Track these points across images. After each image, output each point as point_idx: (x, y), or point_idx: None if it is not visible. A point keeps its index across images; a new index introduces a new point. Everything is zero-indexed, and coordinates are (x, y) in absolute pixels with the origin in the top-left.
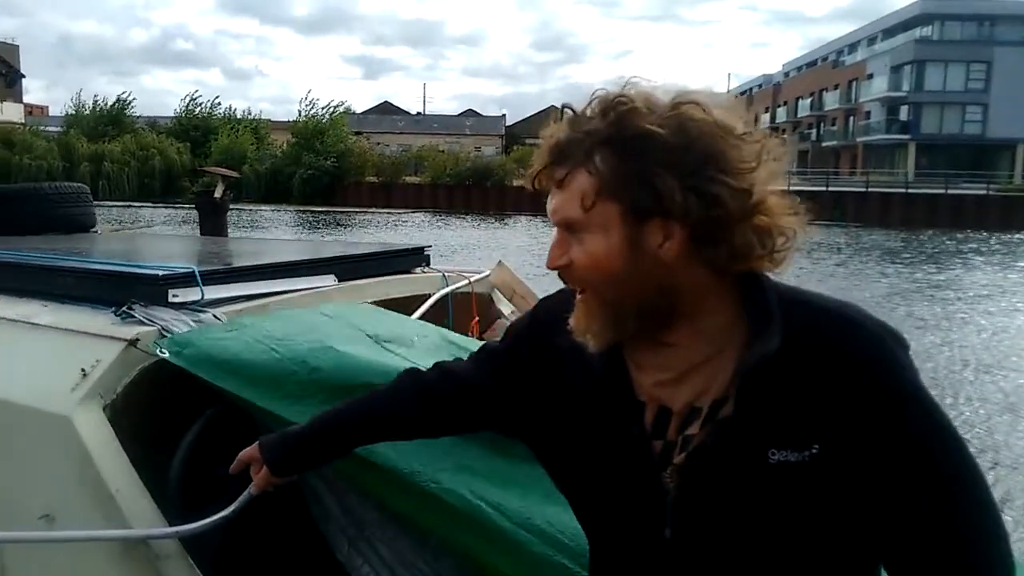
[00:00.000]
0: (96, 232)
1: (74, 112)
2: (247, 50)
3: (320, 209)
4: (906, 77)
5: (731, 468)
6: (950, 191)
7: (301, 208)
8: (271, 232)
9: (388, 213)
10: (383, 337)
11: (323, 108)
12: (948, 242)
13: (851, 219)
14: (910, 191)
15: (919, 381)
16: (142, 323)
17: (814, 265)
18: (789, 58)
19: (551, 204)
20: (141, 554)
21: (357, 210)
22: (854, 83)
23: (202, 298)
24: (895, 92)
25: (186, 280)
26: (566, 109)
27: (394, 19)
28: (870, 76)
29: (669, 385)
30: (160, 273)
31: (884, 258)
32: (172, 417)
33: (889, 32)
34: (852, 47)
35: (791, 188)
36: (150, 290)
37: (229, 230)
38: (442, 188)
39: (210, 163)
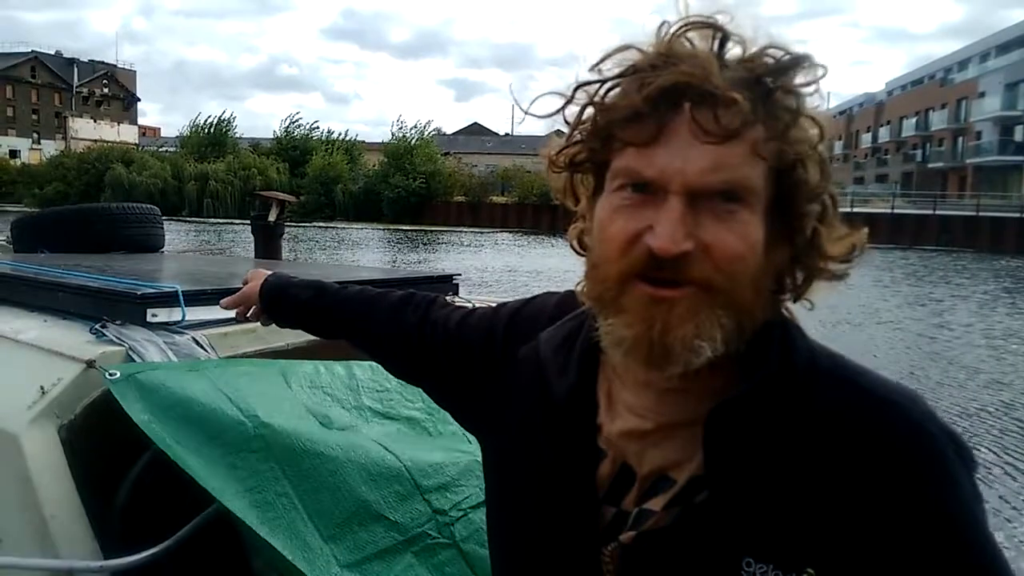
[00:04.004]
0: (162, 252)
1: (187, 134)
2: (346, 74)
3: (408, 228)
4: (1022, 95)
5: (688, 569)
6: None
7: (390, 227)
8: (358, 251)
9: (474, 232)
10: (330, 421)
11: (412, 129)
12: None
13: (960, 244)
14: None
15: (979, 514)
16: (111, 342)
17: (932, 288)
18: (893, 76)
19: (697, 160)
20: None
21: (444, 228)
22: (963, 102)
23: (183, 319)
24: (1010, 111)
25: (167, 299)
26: (706, 29)
27: (487, 43)
28: (982, 94)
29: (639, 439)
30: (138, 291)
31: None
32: (134, 442)
33: (1004, 48)
34: (962, 64)
35: (895, 211)
36: (129, 308)
37: (319, 251)
38: (528, 208)
39: (307, 182)
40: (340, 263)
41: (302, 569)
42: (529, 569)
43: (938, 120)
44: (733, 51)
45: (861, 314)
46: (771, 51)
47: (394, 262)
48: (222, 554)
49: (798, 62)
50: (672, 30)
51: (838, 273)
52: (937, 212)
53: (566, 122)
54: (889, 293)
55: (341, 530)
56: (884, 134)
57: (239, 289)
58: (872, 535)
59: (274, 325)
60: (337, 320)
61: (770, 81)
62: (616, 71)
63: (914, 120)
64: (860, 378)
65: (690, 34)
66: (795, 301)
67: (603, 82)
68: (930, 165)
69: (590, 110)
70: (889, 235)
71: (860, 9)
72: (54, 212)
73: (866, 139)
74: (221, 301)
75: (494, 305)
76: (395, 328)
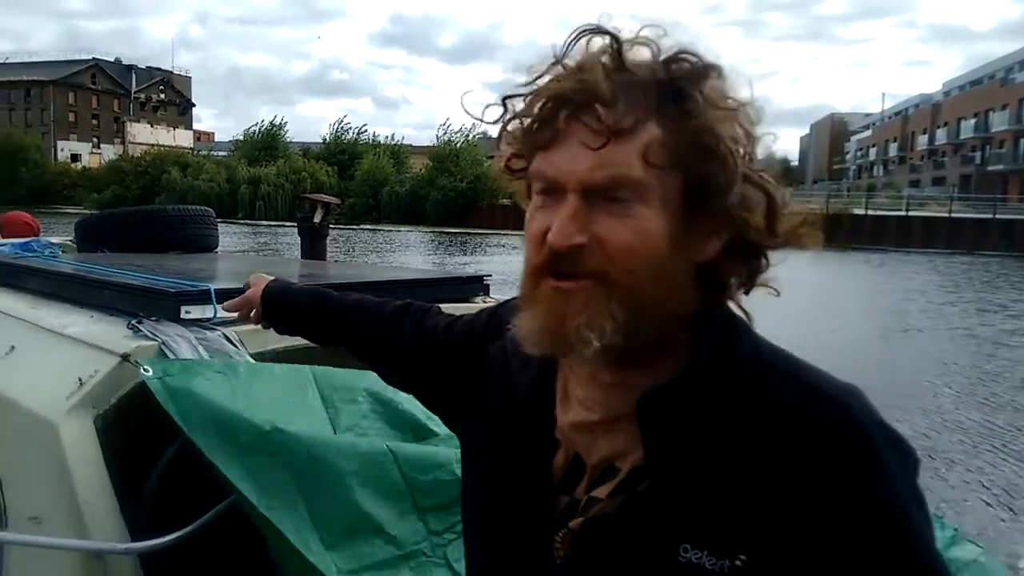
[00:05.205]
0: (216, 252)
1: (242, 139)
2: (395, 79)
3: (454, 230)
4: None
5: (629, 555)
6: None
7: (436, 229)
8: (408, 252)
9: (520, 235)
10: (344, 426)
11: (457, 133)
12: None
13: (1022, 249)
14: None
15: (912, 508)
16: (146, 337)
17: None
18: (950, 76)
19: (585, 160)
20: (94, 568)
21: (489, 232)
22: None
23: (214, 316)
24: None
25: (201, 297)
26: (603, 36)
27: (534, 45)
28: None
29: (588, 431)
30: (172, 289)
31: None
32: (164, 432)
33: None
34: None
35: (953, 215)
36: (164, 305)
37: (369, 253)
38: None
39: (355, 185)
40: (375, 264)
41: (311, 560)
42: (490, 555)
43: (999, 121)
44: (640, 58)
45: (926, 319)
46: (681, 56)
47: (444, 264)
48: (244, 540)
49: (693, 64)
50: (567, 39)
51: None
52: (997, 216)
53: (499, 135)
54: (955, 298)
55: (342, 539)
56: (941, 136)
57: None
58: (804, 525)
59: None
60: (334, 327)
61: (667, 83)
62: (534, 84)
63: (973, 121)
64: (802, 372)
65: (594, 46)
66: (746, 293)
67: (524, 96)
68: (990, 168)
69: (515, 121)
70: (947, 240)
71: (916, 8)
72: (115, 214)
73: (922, 141)
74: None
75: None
76: (390, 336)
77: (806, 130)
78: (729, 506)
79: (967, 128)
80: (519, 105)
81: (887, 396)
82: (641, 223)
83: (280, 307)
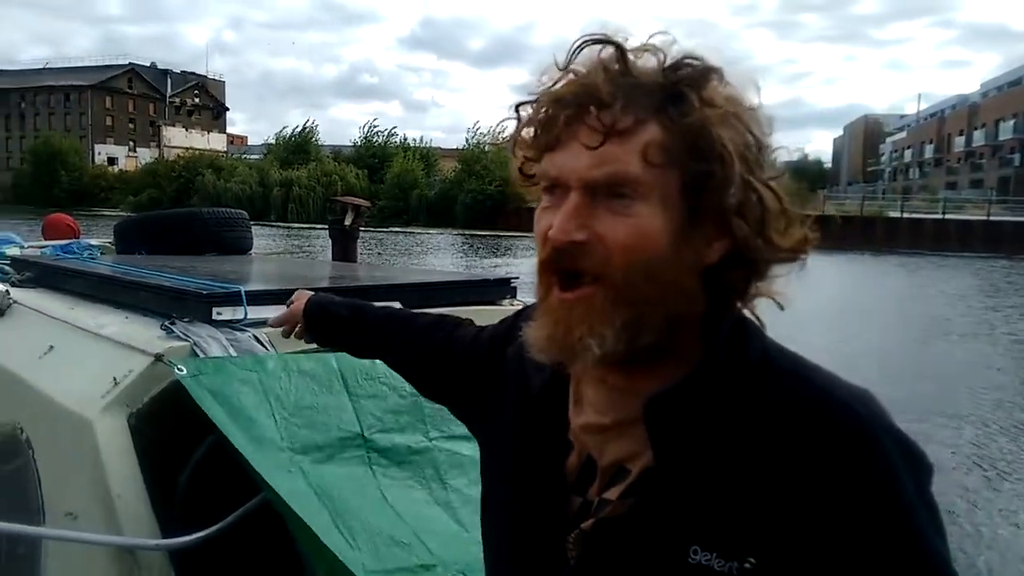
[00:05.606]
0: (250, 254)
1: (274, 142)
2: (424, 82)
3: (483, 233)
4: None
5: (639, 556)
6: None
7: (465, 231)
8: (439, 255)
9: None
10: (376, 445)
11: (485, 135)
12: None
13: None
14: None
15: (922, 515)
16: (178, 338)
17: None
18: (988, 77)
19: (585, 158)
20: (126, 563)
21: (519, 234)
22: None
23: (245, 317)
24: None
25: (232, 299)
26: (606, 45)
27: (564, 46)
28: None
29: (599, 433)
30: (204, 291)
31: None
32: (195, 431)
33: None
34: None
35: (991, 218)
36: (196, 306)
37: (401, 256)
38: None
39: (385, 188)
40: (405, 266)
41: (340, 558)
42: (505, 555)
43: None
44: (646, 65)
45: (967, 325)
46: (684, 61)
47: (473, 266)
48: (272, 537)
49: (695, 67)
50: (571, 48)
51: (786, 260)
52: None
53: (512, 141)
54: (996, 303)
55: (367, 545)
56: (979, 137)
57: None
58: (813, 529)
59: None
60: (370, 339)
61: (668, 86)
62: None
63: (1012, 122)
64: (813, 376)
65: (605, 54)
66: (744, 304)
67: (533, 103)
68: None
69: (527, 127)
70: (984, 243)
71: (952, 8)
72: (152, 217)
73: (959, 143)
74: (269, 319)
75: None
76: (423, 345)
77: (840, 131)
78: (738, 509)
79: (1006, 129)
80: (530, 112)
81: (934, 402)
82: (640, 220)
83: (320, 321)
